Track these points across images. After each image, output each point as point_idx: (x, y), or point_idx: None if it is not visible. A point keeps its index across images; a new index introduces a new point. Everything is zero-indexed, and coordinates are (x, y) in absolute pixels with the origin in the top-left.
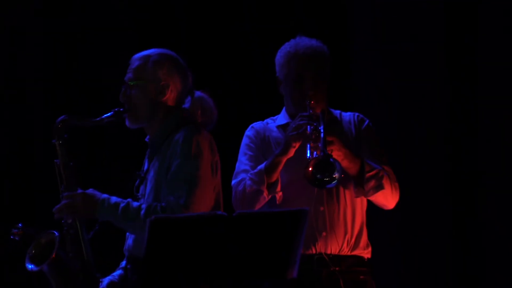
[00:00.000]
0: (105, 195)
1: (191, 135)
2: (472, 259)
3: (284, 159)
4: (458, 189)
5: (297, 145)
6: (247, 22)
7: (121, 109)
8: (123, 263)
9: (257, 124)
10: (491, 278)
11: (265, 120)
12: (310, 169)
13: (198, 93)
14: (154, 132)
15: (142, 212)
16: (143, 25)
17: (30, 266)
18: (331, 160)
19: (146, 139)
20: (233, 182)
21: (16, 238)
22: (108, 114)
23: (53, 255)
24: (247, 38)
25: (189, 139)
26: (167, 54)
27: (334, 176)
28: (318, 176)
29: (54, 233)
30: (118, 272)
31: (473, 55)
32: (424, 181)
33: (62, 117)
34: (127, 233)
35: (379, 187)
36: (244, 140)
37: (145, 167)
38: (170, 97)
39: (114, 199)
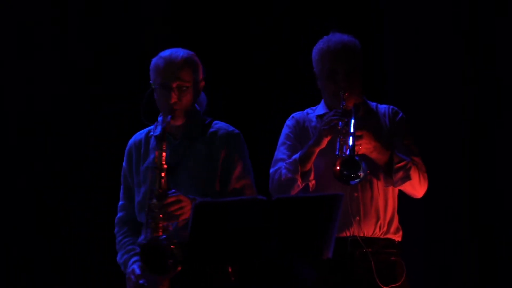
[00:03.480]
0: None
1: (235, 132)
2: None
3: (317, 150)
4: (479, 179)
5: (329, 137)
6: (247, 22)
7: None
8: None
9: (297, 114)
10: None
11: (305, 110)
12: (338, 168)
13: None
14: (183, 126)
15: None
16: (143, 25)
17: None
18: (357, 158)
19: (158, 132)
20: (271, 170)
21: None
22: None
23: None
24: (247, 38)
25: (236, 136)
26: (196, 56)
27: (359, 174)
28: (345, 172)
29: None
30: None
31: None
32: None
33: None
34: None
35: (406, 178)
36: (284, 130)
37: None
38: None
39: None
